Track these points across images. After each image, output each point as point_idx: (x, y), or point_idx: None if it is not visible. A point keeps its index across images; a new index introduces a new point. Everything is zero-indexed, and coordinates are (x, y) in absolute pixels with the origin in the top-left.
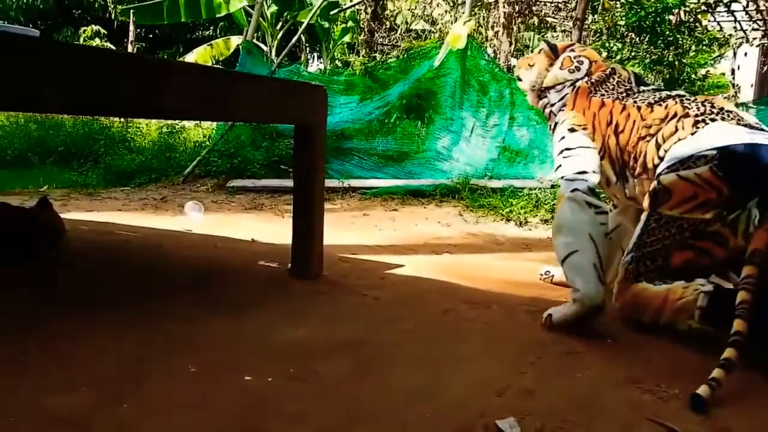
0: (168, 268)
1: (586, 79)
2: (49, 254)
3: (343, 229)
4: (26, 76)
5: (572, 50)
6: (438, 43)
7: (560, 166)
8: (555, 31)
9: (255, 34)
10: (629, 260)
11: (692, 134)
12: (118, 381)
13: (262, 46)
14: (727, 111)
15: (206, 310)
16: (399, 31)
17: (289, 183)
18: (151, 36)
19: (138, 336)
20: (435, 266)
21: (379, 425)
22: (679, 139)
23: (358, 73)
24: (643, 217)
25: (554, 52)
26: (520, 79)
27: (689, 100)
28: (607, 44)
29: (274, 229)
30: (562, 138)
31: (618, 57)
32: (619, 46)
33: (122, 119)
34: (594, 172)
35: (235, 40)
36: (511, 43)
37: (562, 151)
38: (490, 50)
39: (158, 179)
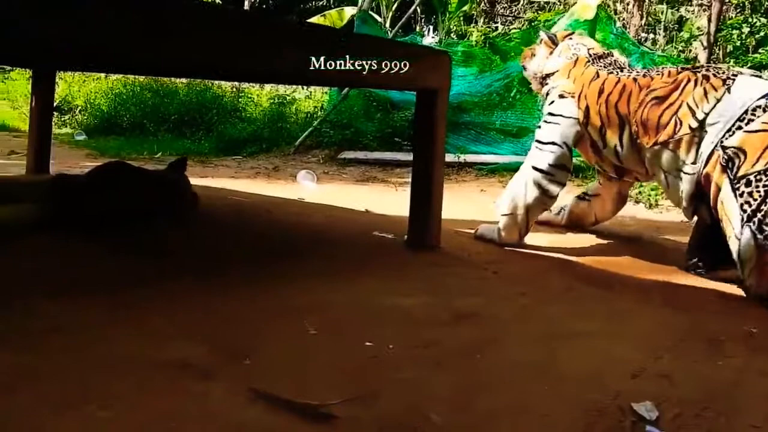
0: (281, 233)
1: (585, 52)
2: (188, 218)
3: (460, 204)
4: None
5: (571, 39)
6: (563, 15)
7: (539, 127)
8: (690, 5)
9: (370, 5)
10: (752, 238)
11: (728, 91)
12: (239, 338)
13: (377, 17)
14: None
15: (321, 275)
16: (521, 2)
17: (403, 156)
18: (264, 6)
19: (253, 298)
20: (556, 244)
21: (499, 398)
22: (717, 99)
23: (477, 44)
24: (727, 190)
25: (553, 41)
26: (524, 68)
27: (686, 68)
28: (750, 19)
29: (388, 201)
30: (552, 102)
31: (762, 33)
32: (764, 21)
33: (234, 88)
34: (564, 144)
35: (349, 11)
36: (642, 17)
37: (547, 115)
38: (619, 24)
39: (269, 149)
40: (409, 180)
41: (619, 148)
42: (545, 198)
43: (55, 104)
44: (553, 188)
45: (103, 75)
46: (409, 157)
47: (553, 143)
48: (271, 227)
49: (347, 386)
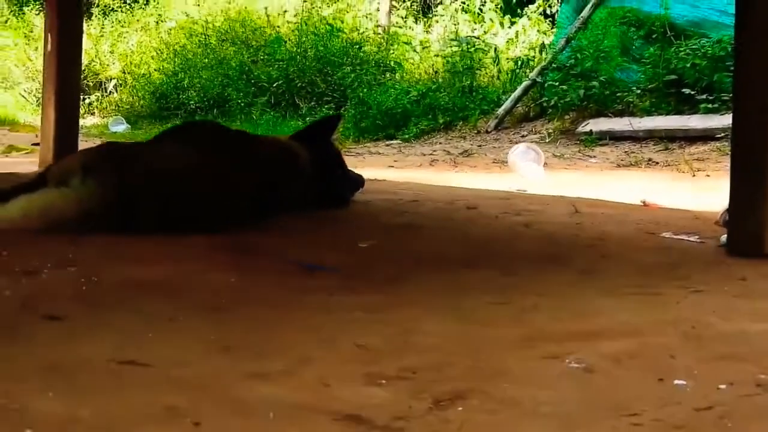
0: (503, 238)
1: None
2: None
3: None
4: None
5: None
6: None
7: None
8: None
9: None
10: None
11: None
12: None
13: None
14: None
15: (599, 291)
16: None
17: (699, 122)
18: None
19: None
20: None
21: None
22: None
23: None
24: None
25: None
26: None
27: None
28: None
29: (675, 190)
30: None
31: None
32: None
33: (381, 30)
34: None
35: None
36: None
37: None
38: None
39: (449, 125)
40: (713, 160)
41: None
42: None
43: None
44: None
45: (152, 21)
46: (710, 122)
47: None
48: (485, 230)
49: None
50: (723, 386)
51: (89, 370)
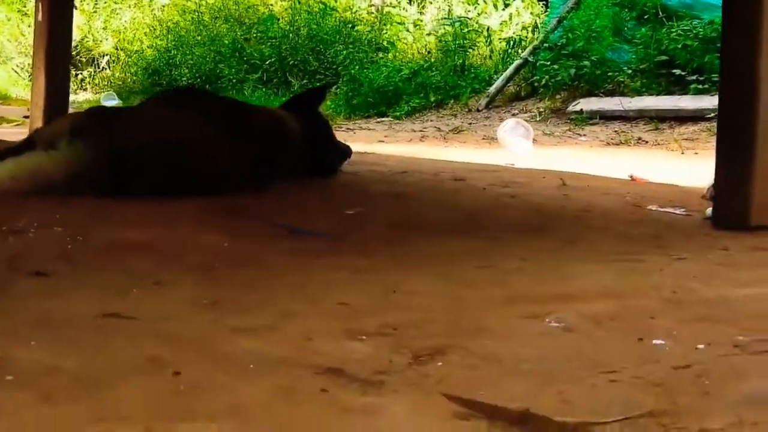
0: (490, 208)
1: None
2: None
3: None
4: None
5: None
6: None
7: None
8: None
9: None
10: None
11: None
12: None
13: None
14: None
15: (584, 261)
16: None
17: (690, 102)
18: None
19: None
20: None
21: None
22: None
23: None
24: None
25: None
26: None
27: None
28: None
29: (666, 167)
30: None
31: None
32: None
33: (374, 9)
34: None
35: None
36: None
37: None
38: None
39: (441, 103)
40: (703, 140)
41: None
42: None
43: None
44: None
45: None
46: (701, 103)
47: None
48: (472, 200)
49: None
50: (701, 346)
51: (74, 324)
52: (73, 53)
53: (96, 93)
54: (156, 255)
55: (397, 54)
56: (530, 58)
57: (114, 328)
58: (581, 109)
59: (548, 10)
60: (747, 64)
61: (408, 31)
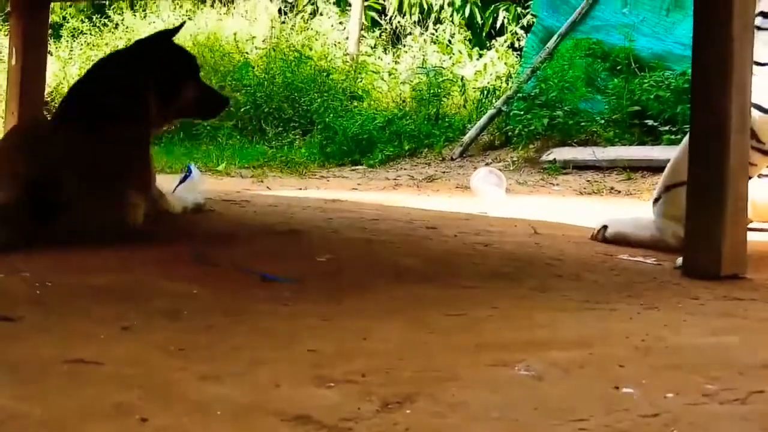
0: (466, 257)
1: None
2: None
3: None
4: None
5: None
6: None
7: None
8: None
9: None
10: None
11: None
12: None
13: None
14: None
15: (551, 310)
16: None
17: (662, 153)
18: None
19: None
20: None
21: None
22: None
23: None
24: None
25: None
26: None
27: None
28: None
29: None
30: None
31: None
32: None
33: (349, 59)
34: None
35: None
36: None
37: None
38: None
39: (415, 152)
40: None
41: None
42: None
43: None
44: None
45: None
46: (673, 153)
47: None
48: (444, 247)
49: None
50: (670, 395)
51: (40, 368)
52: (48, 98)
53: None
54: (124, 300)
55: (372, 102)
56: (504, 108)
57: (80, 373)
58: (554, 159)
59: (522, 60)
60: (717, 113)
61: (383, 79)
